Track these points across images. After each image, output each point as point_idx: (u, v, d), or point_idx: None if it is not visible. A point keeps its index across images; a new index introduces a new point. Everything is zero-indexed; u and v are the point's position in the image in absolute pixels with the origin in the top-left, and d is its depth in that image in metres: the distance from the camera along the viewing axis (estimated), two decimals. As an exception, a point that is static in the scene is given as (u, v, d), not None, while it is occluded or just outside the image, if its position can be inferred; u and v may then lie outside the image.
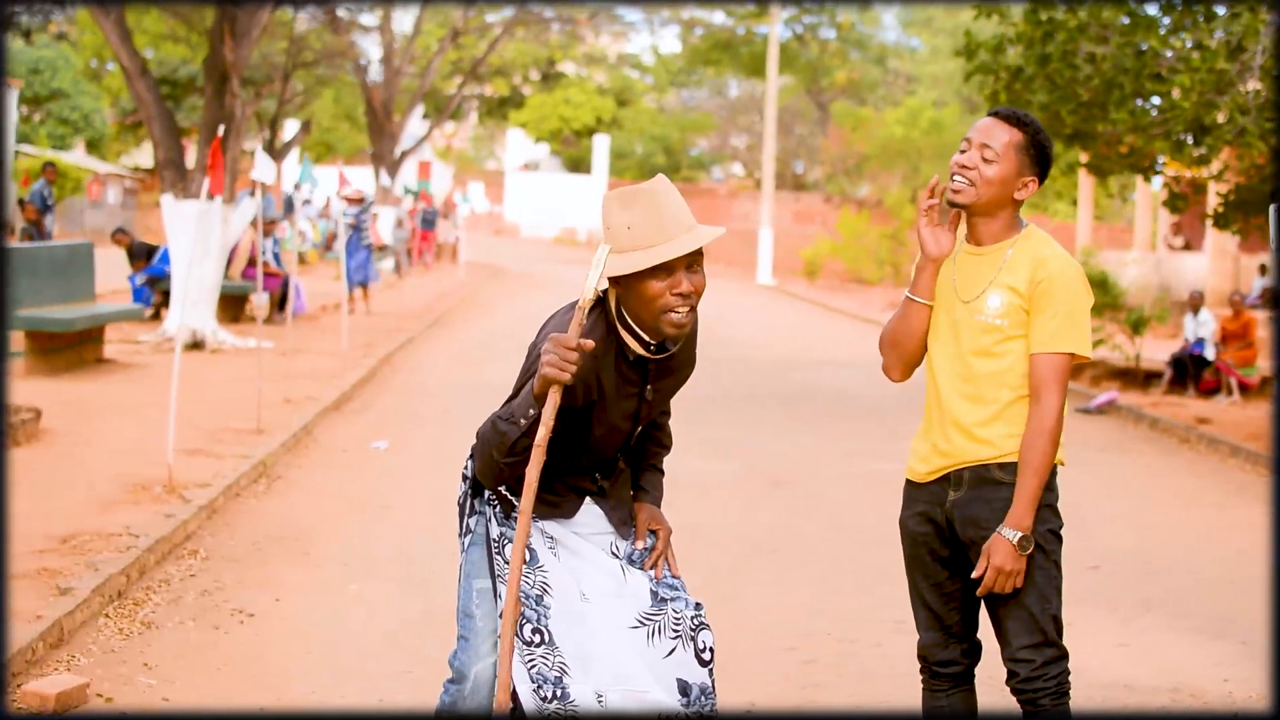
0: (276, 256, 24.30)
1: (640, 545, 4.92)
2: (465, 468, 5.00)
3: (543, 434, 4.40)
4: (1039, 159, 4.97)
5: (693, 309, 4.58)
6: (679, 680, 4.79)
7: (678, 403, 5.09)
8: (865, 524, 11.19)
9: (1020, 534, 4.83)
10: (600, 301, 4.70)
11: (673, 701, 4.75)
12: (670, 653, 4.80)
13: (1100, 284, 22.62)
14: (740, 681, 7.38)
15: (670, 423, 5.17)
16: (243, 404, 14.44)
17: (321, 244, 39.00)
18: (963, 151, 4.96)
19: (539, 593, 4.76)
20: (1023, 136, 4.93)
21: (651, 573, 4.91)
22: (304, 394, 15.80)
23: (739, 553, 10.34)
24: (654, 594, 4.86)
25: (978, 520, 4.96)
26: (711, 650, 4.87)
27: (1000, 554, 4.85)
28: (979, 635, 5.21)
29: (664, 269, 4.49)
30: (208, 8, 26.38)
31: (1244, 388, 21.36)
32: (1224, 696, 7.53)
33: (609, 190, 4.57)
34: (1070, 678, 5.02)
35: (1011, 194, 4.95)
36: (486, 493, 4.91)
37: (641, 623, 4.81)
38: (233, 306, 23.15)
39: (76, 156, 48.04)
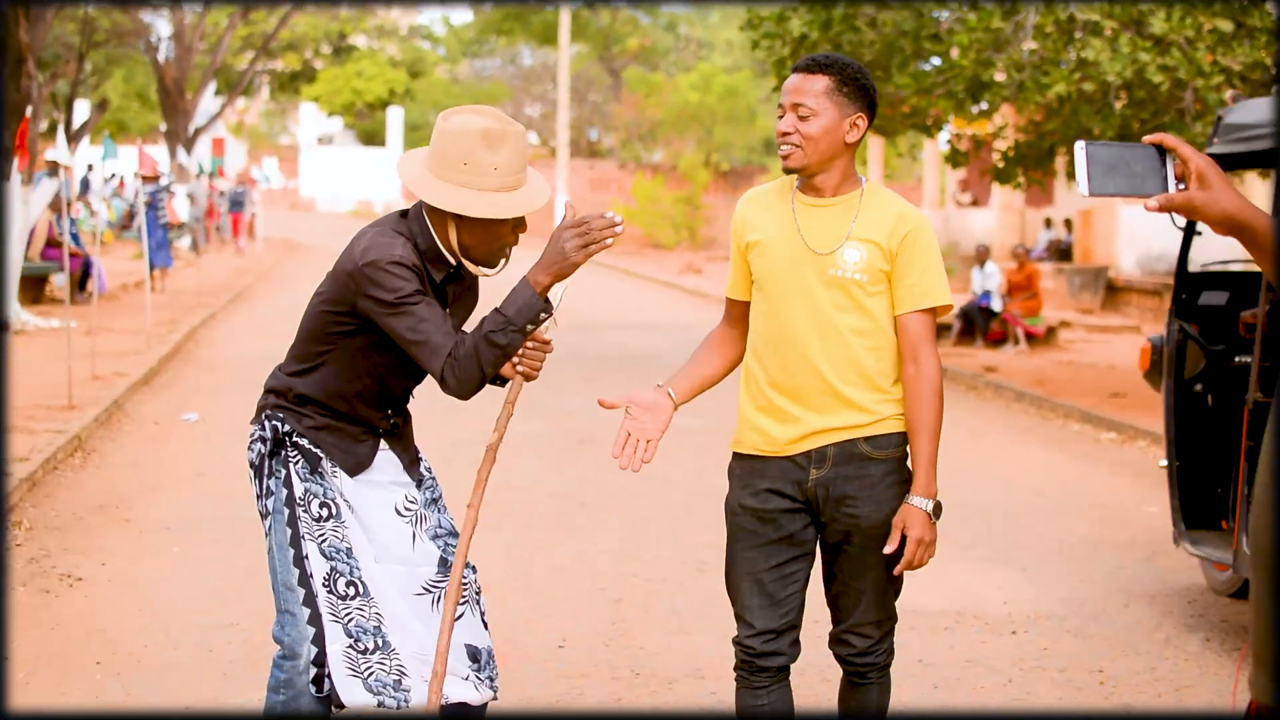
0: (75, 237, 24.19)
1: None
2: (253, 432, 4.89)
3: (504, 429, 4.78)
4: (858, 94, 4.67)
5: None
6: (468, 646, 4.84)
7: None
8: (667, 477, 11.60)
9: (932, 501, 4.67)
10: (404, 217, 4.75)
11: (463, 669, 4.81)
12: (459, 617, 4.78)
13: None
14: (555, 620, 7.84)
15: None
16: (52, 382, 14.53)
17: (118, 223, 38.68)
18: (780, 118, 4.70)
19: (348, 545, 4.77)
20: (829, 80, 4.64)
21: (438, 540, 4.92)
22: (112, 370, 15.93)
23: (550, 506, 10.77)
24: (442, 560, 4.87)
25: (845, 498, 4.72)
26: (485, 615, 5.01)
27: (918, 526, 4.64)
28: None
29: None
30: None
31: (1030, 337, 22.23)
32: (1004, 618, 8.10)
33: (464, 115, 4.61)
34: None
35: (842, 140, 4.66)
36: (286, 450, 4.81)
37: (427, 590, 4.86)
38: (33, 288, 23.04)
39: None
